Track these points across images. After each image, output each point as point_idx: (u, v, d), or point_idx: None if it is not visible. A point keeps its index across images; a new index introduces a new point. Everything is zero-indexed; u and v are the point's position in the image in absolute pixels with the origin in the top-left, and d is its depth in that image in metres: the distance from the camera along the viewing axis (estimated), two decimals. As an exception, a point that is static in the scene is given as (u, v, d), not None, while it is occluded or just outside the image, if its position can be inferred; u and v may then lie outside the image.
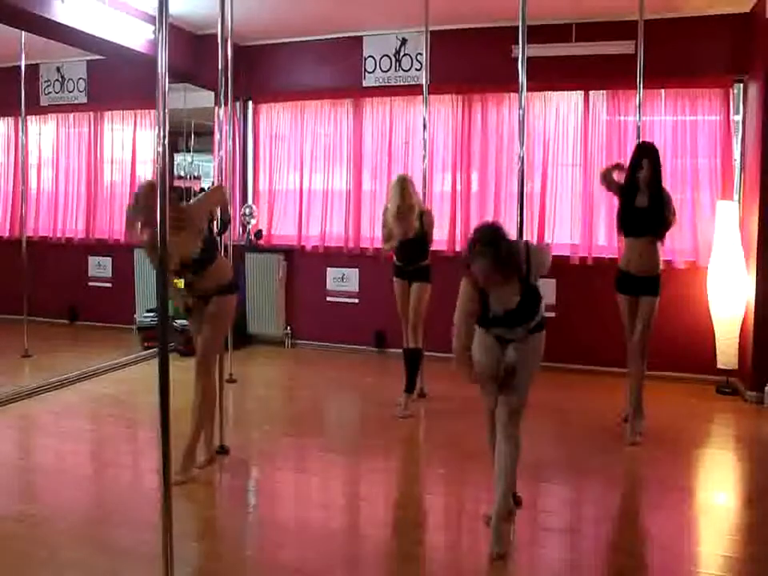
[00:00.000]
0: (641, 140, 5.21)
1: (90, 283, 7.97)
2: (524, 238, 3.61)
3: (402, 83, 7.03)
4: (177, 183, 7.62)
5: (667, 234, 4.85)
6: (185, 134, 7.51)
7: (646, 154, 4.76)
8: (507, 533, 3.23)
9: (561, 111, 6.69)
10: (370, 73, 7.16)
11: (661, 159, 4.79)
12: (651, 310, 4.70)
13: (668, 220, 4.76)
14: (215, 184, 4.59)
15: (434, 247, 5.61)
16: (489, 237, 3.09)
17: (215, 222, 4.59)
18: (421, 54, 6.21)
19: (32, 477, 4.24)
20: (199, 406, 4.14)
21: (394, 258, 5.47)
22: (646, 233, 4.74)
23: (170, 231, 2.59)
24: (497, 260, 3.04)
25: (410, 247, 5.34)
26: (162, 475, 2.62)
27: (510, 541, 3.29)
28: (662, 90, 6.32)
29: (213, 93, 6.80)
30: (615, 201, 5.12)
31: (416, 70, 6.85)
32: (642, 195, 4.74)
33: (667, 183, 6.09)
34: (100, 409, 5.49)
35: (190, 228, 3.93)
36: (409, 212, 5.24)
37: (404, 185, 5.25)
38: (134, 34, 6.14)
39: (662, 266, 4.81)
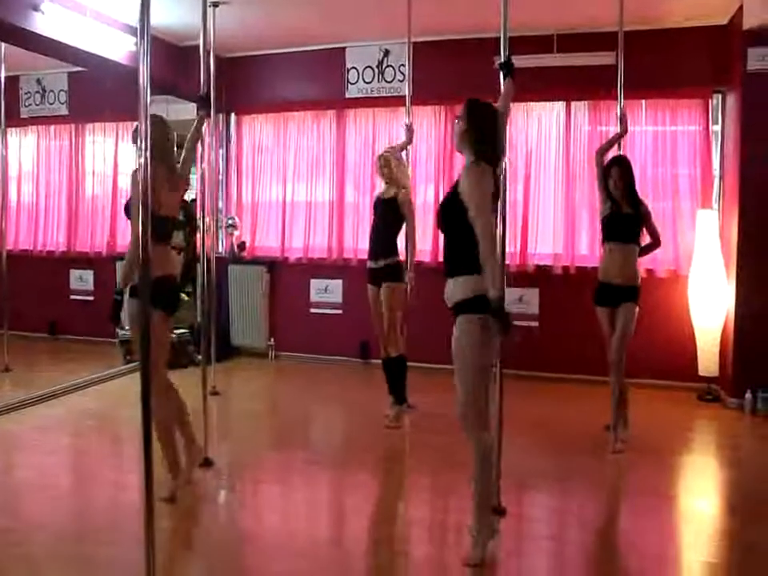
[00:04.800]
0: (618, 153, 5.24)
1: (72, 296, 7.89)
2: None
3: (384, 94, 7.07)
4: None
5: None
6: (167, 146, 7.46)
7: (616, 163, 4.84)
8: (485, 542, 3.22)
9: (543, 122, 6.75)
10: (352, 84, 7.18)
11: (639, 170, 4.84)
12: (631, 316, 4.70)
13: (658, 233, 4.93)
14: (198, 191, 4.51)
15: (418, 258, 5.61)
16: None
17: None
18: (403, 65, 6.21)
19: (12, 492, 4.17)
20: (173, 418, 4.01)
21: (368, 258, 5.40)
22: (632, 240, 4.79)
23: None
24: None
25: (382, 228, 5.29)
26: (144, 489, 2.59)
27: (487, 550, 3.25)
28: (643, 101, 6.39)
29: (195, 105, 6.77)
30: (597, 206, 5.19)
31: (399, 81, 6.88)
32: (624, 204, 4.79)
33: (648, 193, 6.18)
34: (82, 423, 5.44)
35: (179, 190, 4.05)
36: (390, 165, 5.27)
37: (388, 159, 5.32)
38: (116, 46, 6.13)
39: (641, 275, 4.89)
